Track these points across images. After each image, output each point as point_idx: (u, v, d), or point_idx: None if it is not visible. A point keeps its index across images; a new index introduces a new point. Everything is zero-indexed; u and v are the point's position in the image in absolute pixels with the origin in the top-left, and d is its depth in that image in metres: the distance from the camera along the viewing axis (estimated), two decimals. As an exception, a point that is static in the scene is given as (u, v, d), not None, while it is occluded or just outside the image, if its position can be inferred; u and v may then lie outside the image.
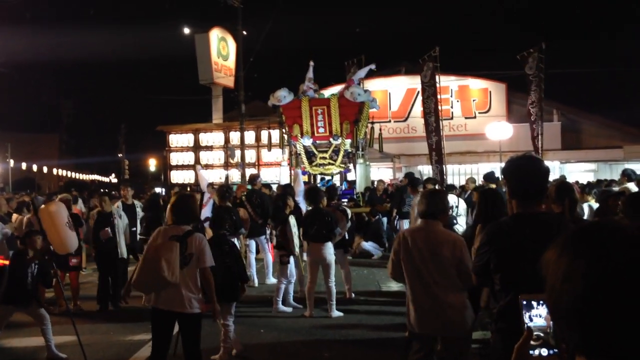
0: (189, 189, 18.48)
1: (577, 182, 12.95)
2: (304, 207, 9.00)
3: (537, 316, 1.26)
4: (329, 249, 7.48)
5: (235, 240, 8.59)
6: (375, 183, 15.32)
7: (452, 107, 23.48)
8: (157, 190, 20.55)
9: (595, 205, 6.92)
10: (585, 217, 6.71)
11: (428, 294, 3.84)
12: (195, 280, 4.47)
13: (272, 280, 9.44)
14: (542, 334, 1.22)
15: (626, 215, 3.76)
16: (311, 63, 14.29)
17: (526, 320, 1.27)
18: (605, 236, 0.87)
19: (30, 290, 5.87)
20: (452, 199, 8.53)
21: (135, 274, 4.47)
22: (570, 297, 0.86)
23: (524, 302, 1.29)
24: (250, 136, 22.34)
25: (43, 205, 7.18)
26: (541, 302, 1.27)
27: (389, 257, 4.19)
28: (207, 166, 22.11)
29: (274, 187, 13.85)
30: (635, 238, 0.84)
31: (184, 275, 4.37)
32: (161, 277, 4.23)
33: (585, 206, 7.36)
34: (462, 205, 9.30)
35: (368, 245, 12.43)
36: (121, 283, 7.65)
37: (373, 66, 15.63)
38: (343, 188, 13.66)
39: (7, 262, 7.33)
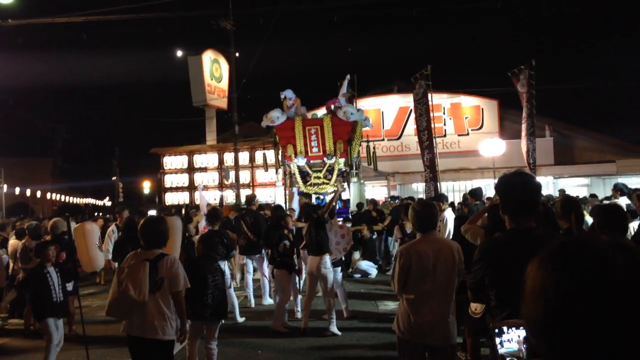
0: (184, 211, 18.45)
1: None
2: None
3: (508, 341, 1.27)
4: (324, 262, 7.47)
5: (226, 264, 8.50)
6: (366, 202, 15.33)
7: (444, 124, 23.64)
8: (152, 212, 20.36)
9: (590, 220, 6.92)
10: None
11: (431, 304, 3.90)
12: (168, 305, 4.33)
13: (268, 301, 9.40)
14: (515, 359, 1.23)
15: (599, 228, 3.79)
16: (347, 77, 15.10)
17: (497, 346, 1.27)
18: (576, 251, 0.92)
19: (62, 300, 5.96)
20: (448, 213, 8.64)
21: (108, 300, 4.37)
22: (542, 309, 0.90)
23: (496, 330, 1.29)
24: (244, 157, 22.39)
25: (79, 224, 7.30)
26: (512, 327, 1.28)
27: (392, 274, 4.14)
28: (201, 187, 22.10)
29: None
30: (603, 253, 0.89)
31: (155, 299, 4.25)
32: (128, 297, 4.12)
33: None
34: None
35: (364, 265, 12.38)
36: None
37: (348, 76, 15.56)
38: (338, 207, 13.66)
39: None
